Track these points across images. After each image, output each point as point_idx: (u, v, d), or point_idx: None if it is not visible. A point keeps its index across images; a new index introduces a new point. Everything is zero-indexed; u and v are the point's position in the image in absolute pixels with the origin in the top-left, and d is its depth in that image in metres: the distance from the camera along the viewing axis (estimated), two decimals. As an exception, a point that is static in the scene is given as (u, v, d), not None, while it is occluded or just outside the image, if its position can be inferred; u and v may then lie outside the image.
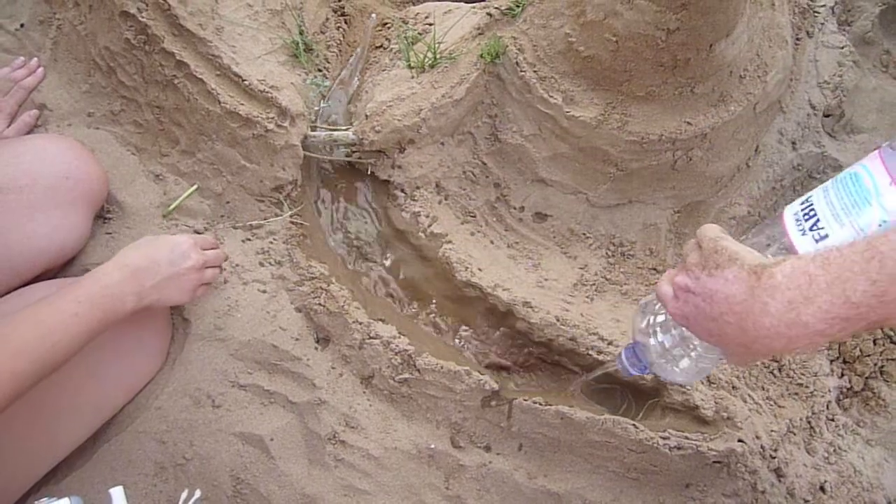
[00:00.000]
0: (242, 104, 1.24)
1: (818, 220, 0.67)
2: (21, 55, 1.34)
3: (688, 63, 1.18)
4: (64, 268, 1.18)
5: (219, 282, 1.20)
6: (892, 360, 1.25)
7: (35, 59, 1.33)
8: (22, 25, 1.35)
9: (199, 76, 1.23)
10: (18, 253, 1.05)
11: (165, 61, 1.24)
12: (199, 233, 1.27)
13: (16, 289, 1.05)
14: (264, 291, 1.22)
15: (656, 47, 1.16)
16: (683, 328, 0.75)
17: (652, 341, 0.81)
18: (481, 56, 1.32)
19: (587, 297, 1.28)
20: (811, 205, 0.69)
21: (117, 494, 0.72)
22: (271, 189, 1.29)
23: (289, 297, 1.22)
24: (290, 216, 1.29)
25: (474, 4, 1.47)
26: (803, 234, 0.68)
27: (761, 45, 1.28)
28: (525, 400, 1.12)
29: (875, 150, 0.67)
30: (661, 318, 0.81)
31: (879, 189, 0.64)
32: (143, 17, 1.22)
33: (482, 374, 1.14)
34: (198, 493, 0.72)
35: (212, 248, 1.14)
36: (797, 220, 0.69)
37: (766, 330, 0.61)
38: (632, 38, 1.17)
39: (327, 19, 1.52)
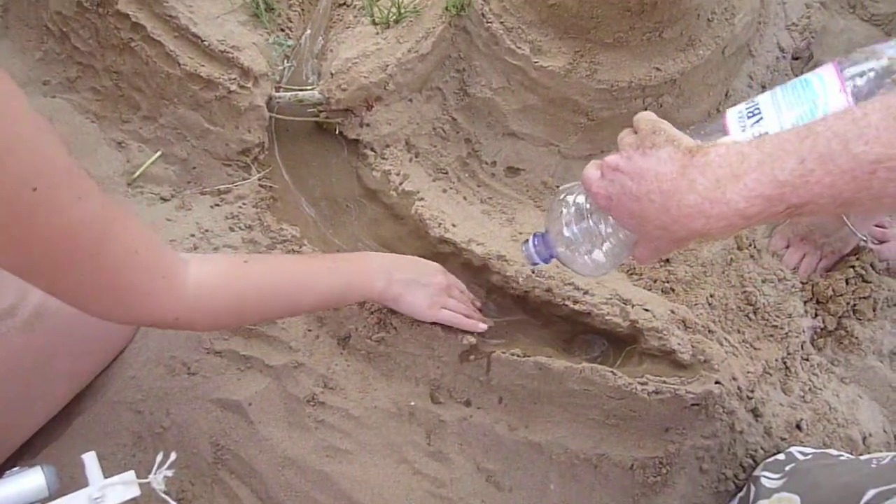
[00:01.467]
0: (203, 66, 1.21)
1: (761, 118, 0.67)
2: (-31, 23, 1.29)
3: (655, 7, 1.17)
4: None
5: (187, 248, 1.18)
6: (864, 298, 1.27)
7: (-16, 27, 1.29)
8: (-32, -8, 1.30)
9: (157, 38, 1.20)
10: None
11: (120, 24, 1.20)
12: (165, 199, 1.24)
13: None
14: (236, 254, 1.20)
15: (622, -9, 1.15)
16: (597, 218, 0.75)
17: (564, 230, 0.79)
18: (446, 9, 1.29)
19: (562, 249, 1.28)
20: (756, 104, 0.69)
21: (90, 460, 0.70)
22: (238, 152, 1.26)
23: (261, 262, 1.20)
24: (259, 179, 1.27)
25: (438, -43, 1.44)
26: (743, 131, 0.68)
27: (728, -12, 1.27)
28: (503, 353, 1.12)
29: (831, 62, 0.67)
30: (577, 203, 0.79)
31: (828, 93, 0.64)
32: (94, -22, 1.18)
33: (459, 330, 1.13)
34: (173, 456, 0.70)
35: (460, 289, 1.16)
36: (740, 118, 0.69)
37: (688, 208, 0.60)
38: (597, -17, 1.15)
39: (288, -23, 1.48)
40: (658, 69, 1.24)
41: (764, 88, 1.38)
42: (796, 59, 1.43)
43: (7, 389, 0.94)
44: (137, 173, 1.24)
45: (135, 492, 0.70)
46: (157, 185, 1.24)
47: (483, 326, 1.13)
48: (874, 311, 1.27)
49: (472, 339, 1.13)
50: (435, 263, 1.14)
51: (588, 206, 0.79)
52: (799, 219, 1.20)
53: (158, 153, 1.26)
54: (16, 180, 0.57)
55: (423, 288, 1.08)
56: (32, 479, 0.68)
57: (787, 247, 1.33)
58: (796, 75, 1.41)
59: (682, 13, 1.20)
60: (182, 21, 1.21)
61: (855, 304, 1.27)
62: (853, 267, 1.29)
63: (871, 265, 1.30)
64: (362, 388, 1.15)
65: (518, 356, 1.11)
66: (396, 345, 1.15)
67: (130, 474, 0.70)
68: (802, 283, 1.30)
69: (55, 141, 0.61)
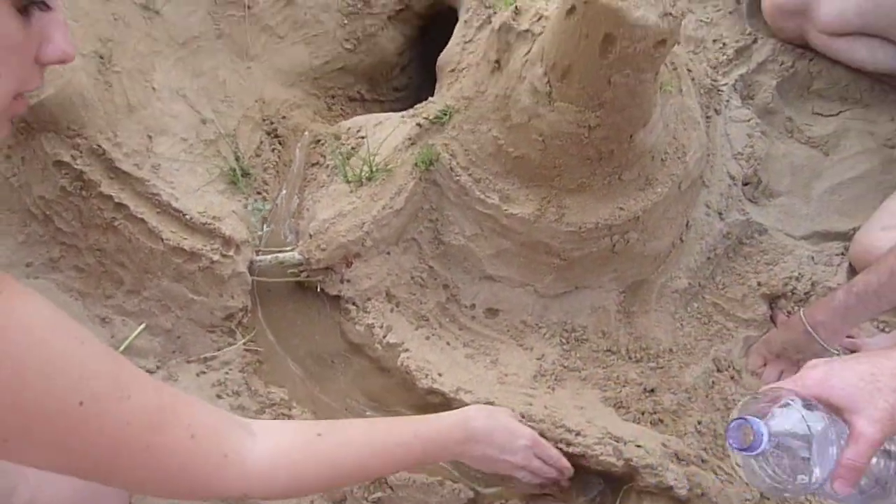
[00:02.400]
0: (186, 238, 1.25)
1: None
2: (-48, 213, 1.32)
3: (612, 154, 1.25)
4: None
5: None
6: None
7: (-33, 215, 1.32)
8: (-49, 183, 1.34)
9: (140, 216, 1.24)
10: None
11: (104, 205, 1.24)
12: (151, 371, 1.24)
13: None
14: (224, 425, 1.19)
15: (581, 143, 1.23)
16: None
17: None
18: (416, 165, 1.37)
19: (548, 387, 1.30)
20: None
21: None
22: (222, 318, 1.28)
23: (250, 428, 1.20)
24: (244, 343, 1.28)
25: (403, 114, 1.53)
26: None
27: (677, 129, 1.36)
28: (502, 503, 1.11)
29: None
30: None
31: None
32: (77, 164, 1.23)
33: (455, 482, 1.13)
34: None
35: (549, 461, 1.11)
36: None
37: None
38: (557, 137, 1.23)
39: (261, 142, 1.56)
40: (621, 209, 1.31)
41: (721, 215, 1.46)
42: (746, 184, 1.53)
43: None
44: (122, 347, 1.24)
45: None
46: (143, 358, 1.25)
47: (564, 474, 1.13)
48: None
49: (470, 493, 1.12)
50: (527, 431, 1.10)
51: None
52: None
53: (143, 325, 1.27)
54: (62, 398, 0.61)
55: (494, 462, 1.05)
56: None
57: (764, 365, 1.37)
58: (749, 200, 1.51)
59: (638, 157, 1.29)
60: (164, 198, 1.26)
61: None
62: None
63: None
64: (361, 553, 1.13)
65: (518, 506, 1.10)
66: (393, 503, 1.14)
67: None
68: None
69: (97, 350, 0.65)
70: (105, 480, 0.71)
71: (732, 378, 1.36)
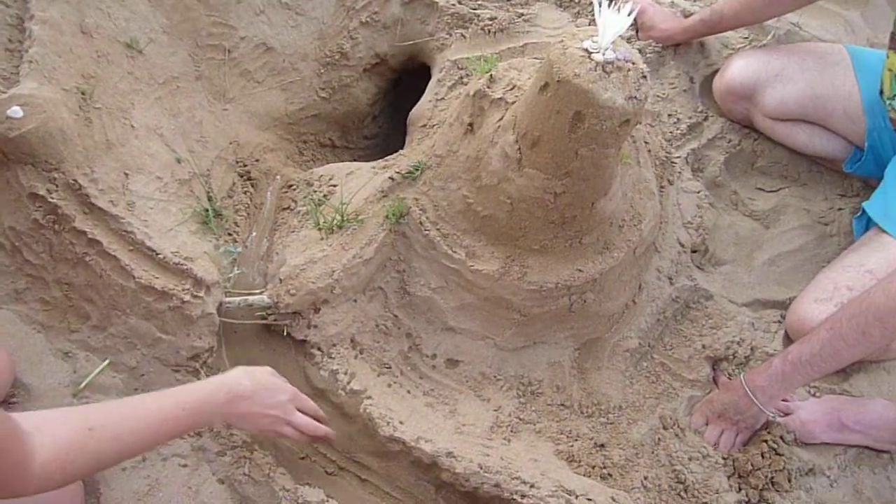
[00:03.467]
0: (157, 277, 1.26)
1: None
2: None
3: (574, 219, 1.33)
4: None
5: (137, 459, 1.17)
6: (779, 470, 1.38)
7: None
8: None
9: (113, 253, 1.25)
10: None
11: (76, 239, 1.25)
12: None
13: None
14: (185, 465, 1.20)
15: (546, 207, 1.30)
16: None
17: None
18: (387, 217, 1.42)
19: (504, 438, 1.34)
20: None
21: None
22: (188, 358, 1.30)
23: (210, 469, 1.21)
24: (208, 384, 1.29)
25: (374, 165, 1.59)
26: None
27: (634, 198, 1.45)
28: (457, 552, 1.14)
29: None
30: None
31: None
32: (52, 198, 1.24)
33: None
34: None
35: (310, 412, 1.17)
36: None
37: None
38: (524, 200, 1.30)
39: (234, 184, 1.59)
40: (580, 270, 1.38)
41: (671, 280, 1.56)
42: (695, 251, 1.63)
43: None
44: (84, 383, 1.24)
45: None
46: (104, 395, 1.25)
47: (328, 431, 1.19)
48: (789, 481, 1.38)
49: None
50: (286, 386, 1.16)
51: None
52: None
53: (107, 361, 1.27)
54: None
55: (259, 419, 1.10)
56: None
57: (707, 424, 1.45)
58: (697, 267, 1.61)
59: (598, 223, 1.37)
60: (138, 236, 1.27)
61: (773, 477, 1.38)
62: (766, 441, 1.41)
63: (782, 437, 1.43)
64: None
65: (472, 555, 1.14)
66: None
67: None
68: (724, 458, 1.40)
69: None
70: None
71: (677, 435, 1.42)
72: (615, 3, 1.17)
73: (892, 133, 1.61)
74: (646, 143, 1.61)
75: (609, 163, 1.26)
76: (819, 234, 1.73)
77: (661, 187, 1.63)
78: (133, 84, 1.47)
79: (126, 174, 1.35)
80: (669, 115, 1.75)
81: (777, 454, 1.40)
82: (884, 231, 1.53)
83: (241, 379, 1.10)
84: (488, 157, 1.33)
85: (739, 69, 1.72)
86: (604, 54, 1.14)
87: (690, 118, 1.75)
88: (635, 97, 1.15)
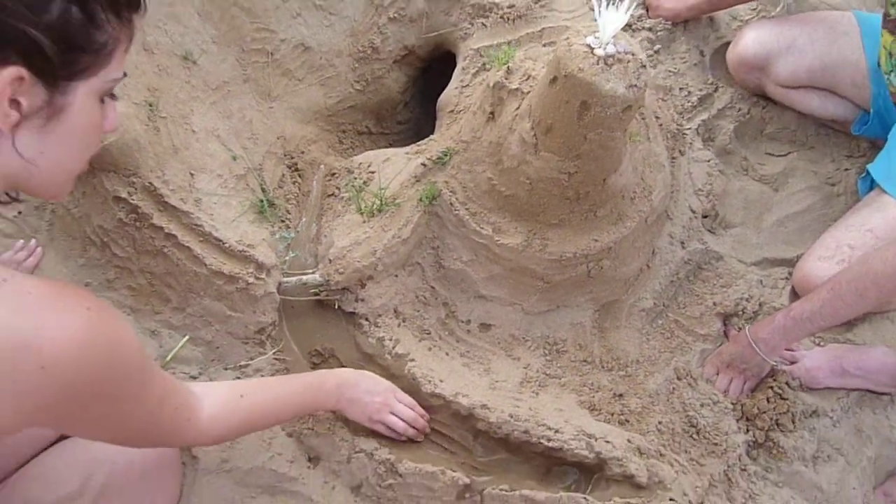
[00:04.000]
0: (225, 264, 1.46)
1: None
2: (20, 238, 1.52)
3: (588, 195, 1.48)
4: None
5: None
6: (784, 413, 1.53)
7: (33, 240, 1.52)
8: (19, 212, 1.54)
9: (186, 244, 1.45)
10: None
11: (155, 234, 1.45)
12: (193, 377, 1.45)
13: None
14: (259, 423, 1.41)
15: (562, 186, 1.45)
16: None
17: None
18: (421, 199, 1.58)
19: (532, 392, 1.52)
20: None
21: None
22: (254, 332, 1.49)
23: (280, 425, 1.41)
24: (273, 354, 1.50)
25: (407, 150, 1.75)
26: None
27: (644, 172, 1.59)
28: (493, 489, 1.33)
29: None
30: None
31: None
32: (133, 200, 1.44)
33: (454, 472, 1.35)
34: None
35: (408, 404, 1.41)
36: None
37: None
38: (542, 180, 1.46)
39: (283, 175, 1.77)
40: (596, 240, 1.53)
41: (682, 245, 1.70)
42: (706, 217, 1.76)
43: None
44: (169, 356, 1.45)
45: None
46: (187, 365, 1.46)
47: (416, 435, 1.40)
48: (794, 422, 1.53)
49: (466, 480, 1.34)
50: (385, 382, 1.39)
51: None
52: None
53: (186, 337, 1.48)
54: (125, 384, 0.87)
55: (366, 405, 1.34)
56: None
57: (717, 373, 1.60)
58: (708, 230, 1.74)
59: (610, 196, 1.51)
60: (206, 228, 1.47)
61: (777, 419, 1.53)
62: (771, 387, 1.56)
63: (787, 384, 1.57)
64: (375, 530, 1.34)
65: (506, 491, 1.32)
66: (402, 489, 1.35)
67: None
68: (732, 403, 1.55)
69: (138, 351, 0.89)
70: (114, 440, 0.97)
71: (690, 385, 1.58)
72: (613, 1, 1.29)
73: (892, 104, 1.71)
74: (657, 117, 1.74)
75: (616, 144, 1.40)
76: (826, 194, 1.84)
77: (673, 158, 1.76)
78: (190, 92, 1.66)
79: (192, 174, 1.54)
80: (681, 88, 1.86)
81: (782, 398, 1.55)
82: (885, 192, 1.64)
83: (348, 371, 1.39)
84: (508, 142, 1.48)
85: (751, 41, 1.82)
86: (605, 49, 1.28)
87: (701, 90, 1.87)
88: (635, 85, 1.29)
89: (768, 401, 1.54)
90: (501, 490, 1.33)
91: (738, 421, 1.54)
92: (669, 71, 1.87)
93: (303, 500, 1.35)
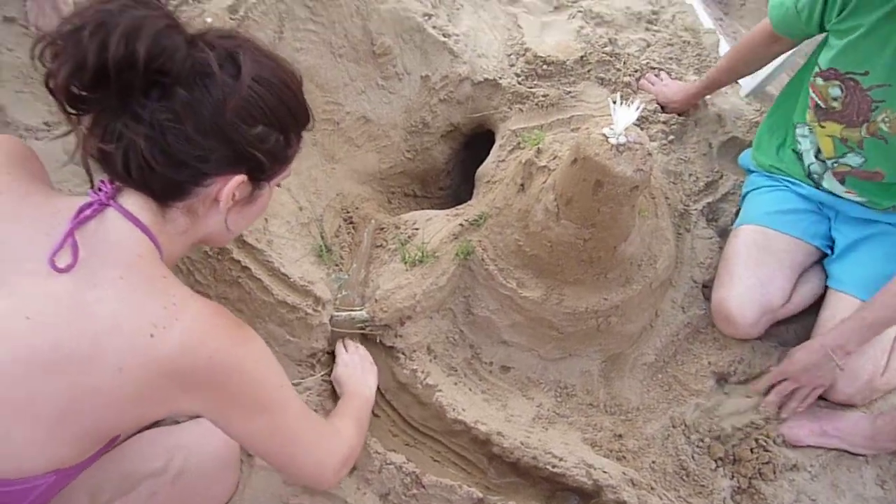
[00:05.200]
0: (289, 295, 1.73)
1: None
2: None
3: (600, 259, 1.73)
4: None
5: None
6: (766, 463, 1.72)
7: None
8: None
9: (258, 276, 1.72)
10: None
11: (232, 266, 1.73)
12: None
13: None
14: (306, 433, 1.64)
15: (578, 249, 1.71)
16: None
17: None
18: (457, 254, 1.85)
19: (543, 427, 1.74)
20: None
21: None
22: (307, 356, 1.75)
23: (323, 437, 1.64)
24: (322, 376, 1.75)
25: (448, 212, 2.02)
26: None
27: (651, 243, 1.84)
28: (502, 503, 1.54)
29: None
30: None
31: None
32: (218, 237, 1.73)
33: (470, 487, 1.56)
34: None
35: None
36: None
37: None
38: (561, 244, 1.71)
39: (340, 226, 2.06)
40: (606, 299, 1.77)
41: (683, 309, 1.93)
42: (706, 287, 1.99)
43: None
44: (234, 371, 1.70)
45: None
46: (248, 380, 1.71)
47: None
48: (775, 473, 1.72)
49: (480, 495, 1.55)
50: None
51: None
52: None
53: (250, 356, 1.73)
54: (274, 387, 1.08)
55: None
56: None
57: (778, 383, 1.76)
58: (706, 299, 1.96)
59: (620, 262, 1.76)
60: (275, 264, 1.74)
61: (760, 469, 1.72)
62: (756, 439, 1.75)
63: (773, 440, 1.77)
64: (398, 533, 1.55)
65: (513, 507, 1.53)
66: (424, 499, 1.56)
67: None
68: (721, 457, 1.74)
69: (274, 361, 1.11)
70: (275, 448, 1.15)
71: (684, 433, 1.78)
72: (626, 101, 1.57)
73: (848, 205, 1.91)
74: (666, 197, 2.00)
75: (624, 217, 1.66)
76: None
77: (679, 234, 2.01)
78: (270, 151, 1.96)
79: (266, 219, 1.83)
80: (690, 174, 2.13)
81: (765, 450, 1.74)
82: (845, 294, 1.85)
83: (344, 377, 1.64)
84: (534, 210, 1.75)
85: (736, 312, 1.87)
86: (617, 139, 1.55)
87: (708, 177, 2.13)
88: (641, 169, 1.55)
89: (751, 451, 1.74)
90: (509, 506, 1.54)
91: (724, 467, 1.73)
92: (680, 159, 2.14)
93: (338, 501, 1.57)
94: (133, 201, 1.02)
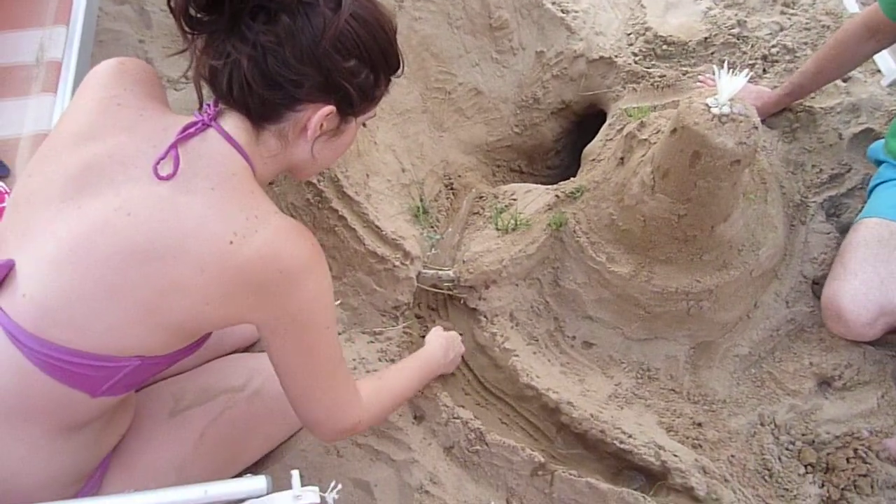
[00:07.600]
0: (379, 247, 1.79)
1: None
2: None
3: (695, 238, 1.66)
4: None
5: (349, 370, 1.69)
6: (863, 475, 1.57)
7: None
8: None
9: (353, 226, 1.80)
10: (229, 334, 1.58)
11: (331, 215, 1.82)
12: (340, 334, 1.78)
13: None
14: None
15: (671, 226, 1.64)
16: None
17: None
18: (549, 225, 1.84)
19: (618, 406, 1.69)
20: None
21: (294, 475, 1.16)
22: (392, 307, 1.80)
23: (397, 385, 1.69)
24: (403, 328, 1.79)
25: (548, 187, 2.01)
26: None
27: (755, 229, 1.74)
28: (563, 472, 1.51)
29: None
30: None
31: None
32: (320, 185, 1.82)
33: (533, 451, 1.55)
34: (339, 486, 1.13)
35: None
36: None
37: None
38: (654, 219, 1.66)
39: (440, 192, 2.10)
40: (698, 281, 1.70)
41: (788, 304, 1.80)
42: (816, 284, 1.85)
43: (230, 437, 1.43)
44: (323, 314, 1.79)
45: (315, 499, 1.15)
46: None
47: None
48: (872, 487, 1.57)
49: (541, 459, 1.53)
50: (456, 336, 1.72)
51: None
52: None
53: (339, 301, 1.82)
54: (324, 322, 1.11)
55: (454, 363, 1.70)
56: (255, 482, 1.14)
57: None
58: (817, 297, 1.83)
59: (717, 244, 1.68)
60: (370, 217, 1.81)
61: (855, 480, 1.58)
62: (855, 449, 1.61)
63: (877, 454, 1.61)
64: (457, 487, 1.57)
65: (575, 476, 1.50)
66: (486, 457, 1.57)
67: (315, 489, 1.16)
68: (811, 463, 1.62)
69: (332, 302, 1.15)
70: (301, 376, 1.17)
71: (772, 432, 1.67)
72: (733, 69, 1.50)
73: None
74: (781, 186, 1.88)
75: (723, 194, 1.58)
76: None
77: (792, 225, 1.88)
78: (379, 113, 2.04)
79: (367, 175, 1.91)
80: (813, 165, 1.98)
81: (864, 462, 1.60)
82: None
83: (434, 343, 1.63)
84: (631, 183, 1.70)
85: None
86: (720, 109, 1.48)
87: (833, 169, 1.98)
88: (744, 143, 1.47)
89: (848, 461, 1.60)
90: (571, 475, 1.51)
91: (814, 474, 1.61)
92: (804, 148, 2.00)
93: (403, 447, 1.60)
94: (232, 123, 1.10)
